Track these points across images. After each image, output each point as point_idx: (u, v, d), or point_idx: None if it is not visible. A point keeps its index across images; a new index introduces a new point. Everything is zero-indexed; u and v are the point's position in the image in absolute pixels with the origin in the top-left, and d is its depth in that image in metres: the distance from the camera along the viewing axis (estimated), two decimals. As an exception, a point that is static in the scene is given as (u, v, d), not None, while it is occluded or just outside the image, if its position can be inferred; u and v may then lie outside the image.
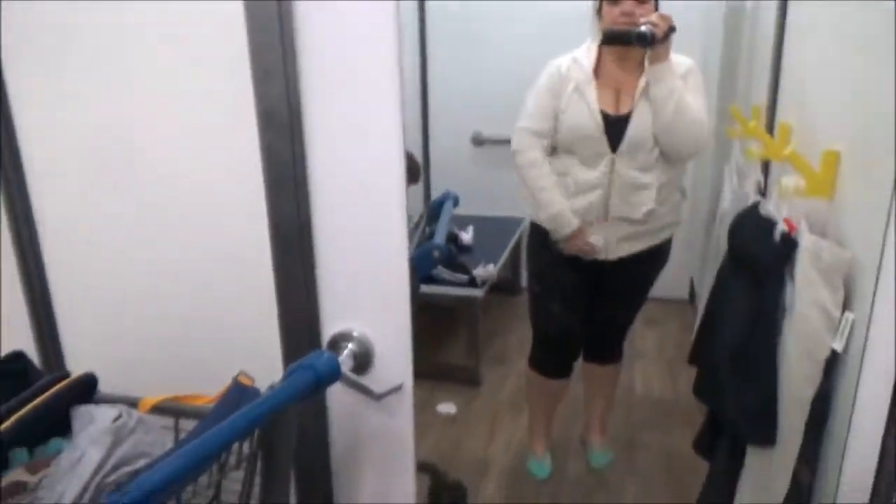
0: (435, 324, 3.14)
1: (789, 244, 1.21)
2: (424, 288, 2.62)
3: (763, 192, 1.88)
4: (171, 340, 1.14)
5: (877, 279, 0.96)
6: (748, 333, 1.29)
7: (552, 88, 1.95)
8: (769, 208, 1.35)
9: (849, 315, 1.13)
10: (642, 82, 1.88)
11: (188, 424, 0.92)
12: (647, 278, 2.16)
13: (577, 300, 2.10)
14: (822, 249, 1.15)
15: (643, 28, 1.75)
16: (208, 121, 1.02)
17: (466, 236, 3.21)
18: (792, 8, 1.86)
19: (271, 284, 1.06)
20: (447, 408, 2.65)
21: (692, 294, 3.54)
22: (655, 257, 2.09)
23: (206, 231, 1.08)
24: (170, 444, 0.85)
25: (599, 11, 1.92)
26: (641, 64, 1.91)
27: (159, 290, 1.12)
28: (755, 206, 1.41)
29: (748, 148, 1.74)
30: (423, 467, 2.08)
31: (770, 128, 1.93)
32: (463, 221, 3.30)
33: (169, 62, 1.00)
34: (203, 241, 1.09)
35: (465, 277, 2.73)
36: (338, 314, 1.07)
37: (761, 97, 2.01)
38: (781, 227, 1.23)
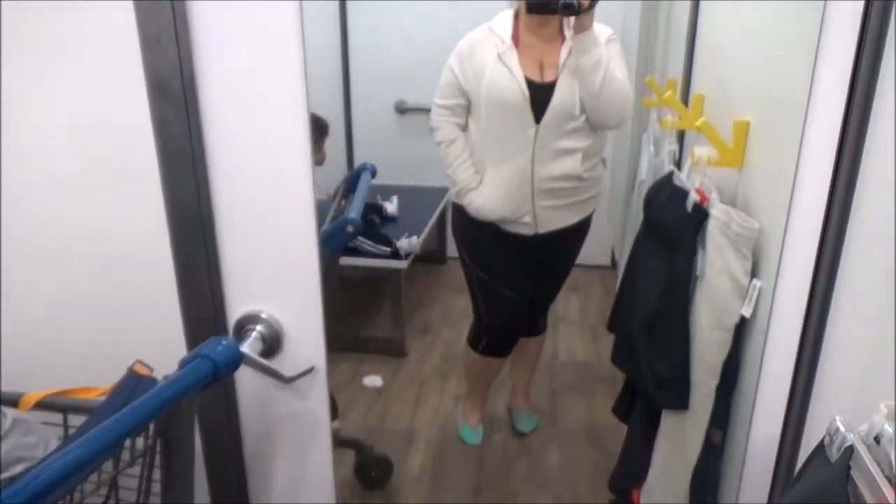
0: (359, 296, 3.10)
1: (700, 214, 1.23)
2: (347, 260, 2.57)
3: (678, 161, 1.91)
4: (60, 330, 1.05)
5: (782, 248, 0.98)
6: (661, 302, 1.32)
7: (458, 67, 1.91)
8: (682, 178, 1.36)
9: (756, 282, 1.16)
10: (564, 52, 1.84)
11: (79, 420, 0.86)
12: (572, 252, 2.18)
13: (520, 279, 2.09)
14: (732, 219, 1.17)
15: None
16: (95, 93, 0.94)
17: (391, 207, 3.15)
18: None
19: (171, 266, 0.99)
20: (373, 381, 2.62)
21: (613, 261, 3.62)
22: (581, 230, 2.10)
23: (97, 210, 1.00)
24: (55, 444, 0.78)
25: None
26: (561, 32, 1.87)
27: (46, 274, 1.03)
28: (669, 177, 1.43)
29: (663, 118, 1.76)
30: (347, 443, 2.06)
31: (685, 99, 1.96)
32: (387, 191, 3.24)
33: (50, 30, 0.90)
34: (94, 222, 1.01)
35: (387, 250, 2.69)
36: (244, 296, 1.02)
37: (677, 69, 2.04)
38: (693, 196, 1.25)
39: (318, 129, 2.80)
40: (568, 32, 1.84)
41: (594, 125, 1.89)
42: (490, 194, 1.94)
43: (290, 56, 0.89)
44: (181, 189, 0.95)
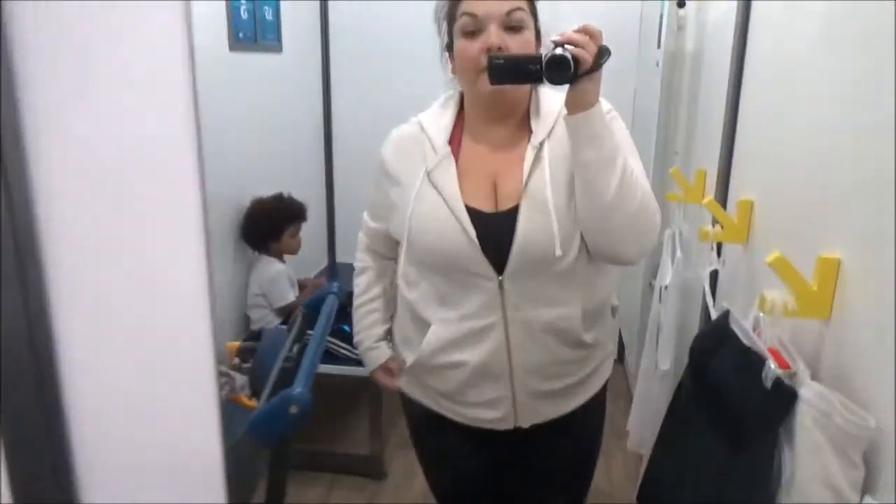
0: (330, 406, 2.70)
1: (785, 395, 0.88)
2: (319, 367, 2.20)
3: (715, 278, 1.58)
4: None
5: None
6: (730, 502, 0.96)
7: (379, 184, 1.32)
8: (747, 330, 1.02)
9: (871, 502, 0.81)
10: (529, 156, 1.17)
11: None
12: (589, 441, 1.44)
13: (493, 491, 1.45)
14: (833, 408, 0.83)
15: (558, 51, 1.02)
16: None
17: (372, 295, 2.79)
18: (754, 39, 1.48)
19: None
20: (345, 515, 2.22)
21: (621, 353, 3.27)
22: (591, 412, 1.37)
23: None
24: None
25: (451, 50, 1.21)
26: (526, 123, 1.22)
27: None
28: (725, 320, 1.09)
29: (704, 229, 1.43)
30: None
31: (723, 197, 1.64)
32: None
33: None
34: None
35: (366, 355, 2.32)
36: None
37: (710, 158, 1.73)
38: (773, 368, 0.90)
39: (295, 213, 2.52)
40: (535, 123, 1.20)
41: (598, 258, 1.20)
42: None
43: (182, 175, 0.56)
44: (18, 385, 0.62)
